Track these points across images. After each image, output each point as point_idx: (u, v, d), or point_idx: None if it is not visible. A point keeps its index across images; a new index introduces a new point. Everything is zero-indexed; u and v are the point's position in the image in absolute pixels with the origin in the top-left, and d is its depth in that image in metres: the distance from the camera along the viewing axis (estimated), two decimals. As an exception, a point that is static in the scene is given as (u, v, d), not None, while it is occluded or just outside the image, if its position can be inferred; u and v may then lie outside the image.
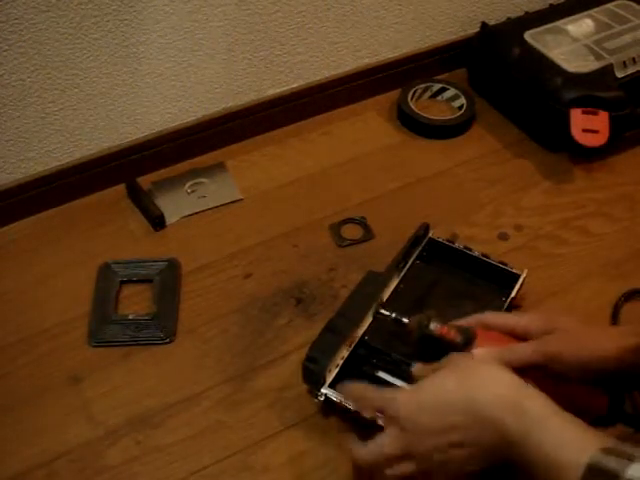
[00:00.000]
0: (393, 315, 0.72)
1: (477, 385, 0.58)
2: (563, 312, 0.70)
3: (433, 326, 0.67)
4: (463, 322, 0.69)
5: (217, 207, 0.99)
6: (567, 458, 0.51)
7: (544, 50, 1.07)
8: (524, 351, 0.64)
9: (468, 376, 0.59)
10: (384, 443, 0.60)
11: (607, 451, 0.49)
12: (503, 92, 1.13)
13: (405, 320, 0.71)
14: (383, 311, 0.74)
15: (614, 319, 0.84)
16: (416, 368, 0.66)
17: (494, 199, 1.00)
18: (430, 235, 0.86)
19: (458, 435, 0.57)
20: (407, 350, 0.72)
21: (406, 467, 0.59)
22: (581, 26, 1.11)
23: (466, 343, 0.65)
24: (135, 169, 1.01)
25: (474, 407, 0.56)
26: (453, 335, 0.66)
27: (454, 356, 0.63)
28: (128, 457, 0.73)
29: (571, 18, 1.12)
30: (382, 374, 0.72)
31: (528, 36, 1.09)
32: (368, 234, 0.94)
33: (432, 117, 1.10)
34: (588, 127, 0.98)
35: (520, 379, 0.57)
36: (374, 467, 0.61)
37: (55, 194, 0.98)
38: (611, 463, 0.48)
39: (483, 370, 0.59)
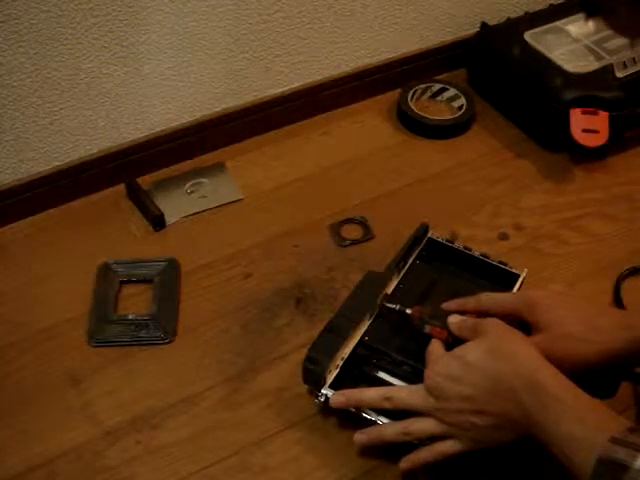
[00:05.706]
0: (397, 307, 0.74)
1: (500, 358, 0.61)
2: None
3: (427, 329, 0.70)
4: (452, 305, 0.71)
5: (217, 207, 0.99)
6: (581, 435, 0.54)
7: (544, 50, 1.07)
8: None
9: (494, 348, 0.62)
10: (413, 398, 0.65)
11: (616, 442, 0.51)
12: (503, 92, 1.13)
13: (408, 311, 0.73)
14: (388, 304, 0.75)
15: (616, 296, 0.86)
16: (452, 318, 0.69)
17: (494, 199, 1.00)
18: (430, 235, 0.86)
19: (480, 403, 0.60)
20: (407, 349, 0.72)
21: (430, 425, 0.64)
22: (581, 26, 1.11)
23: (456, 342, 0.67)
24: (135, 169, 1.01)
25: (494, 379, 0.60)
26: (446, 337, 0.69)
27: (488, 321, 0.65)
28: (128, 457, 0.72)
29: (571, 18, 1.12)
30: (382, 374, 0.72)
31: (528, 36, 1.09)
32: (368, 234, 0.94)
33: (432, 117, 1.10)
34: (588, 127, 0.98)
35: (541, 356, 0.60)
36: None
37: (55, 194, 0.98)
38: (620, 454, 0.50)
39: (509, 343, 0.62)
